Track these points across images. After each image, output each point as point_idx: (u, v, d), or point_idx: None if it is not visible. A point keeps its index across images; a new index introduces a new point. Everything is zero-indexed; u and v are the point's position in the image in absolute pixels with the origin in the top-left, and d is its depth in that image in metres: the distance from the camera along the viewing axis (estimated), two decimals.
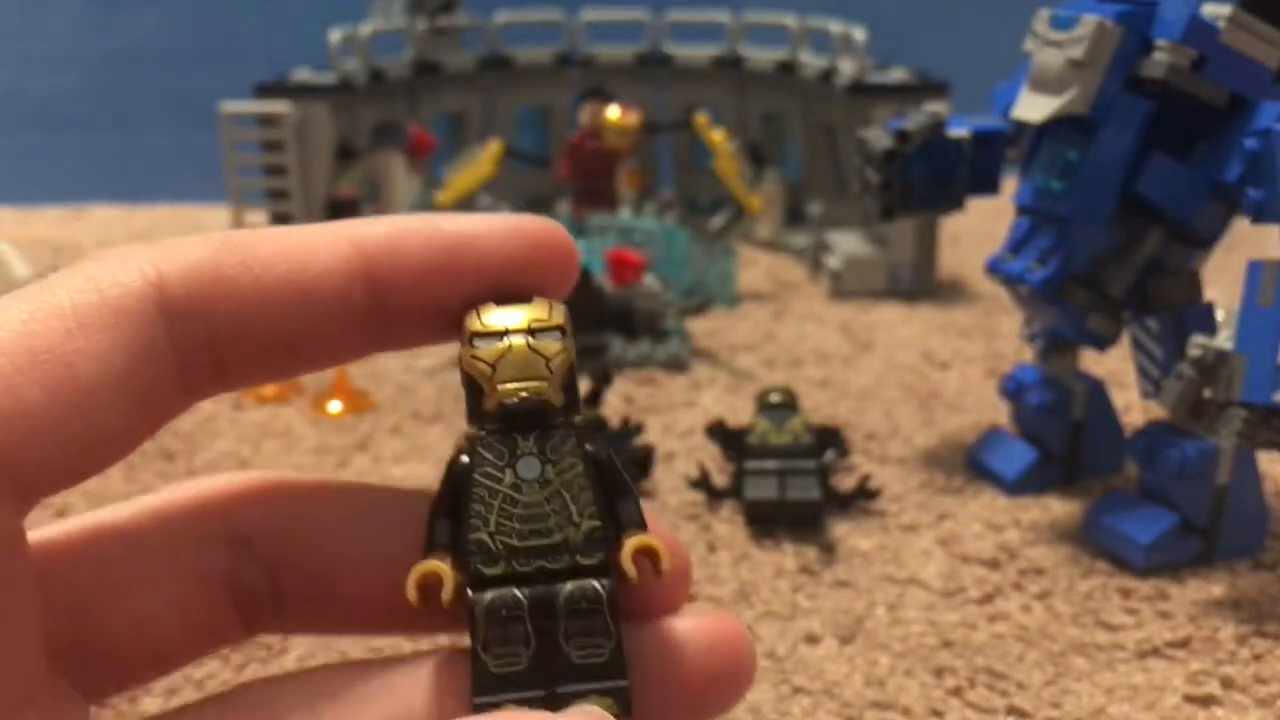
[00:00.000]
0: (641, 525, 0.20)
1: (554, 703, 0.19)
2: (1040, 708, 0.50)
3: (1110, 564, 0.61)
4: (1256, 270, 0.55)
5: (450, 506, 0.20)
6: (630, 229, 1.02)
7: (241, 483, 0.22)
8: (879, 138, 0.66)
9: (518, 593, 0.19)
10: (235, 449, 0.77)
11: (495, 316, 0.19)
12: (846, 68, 1.15)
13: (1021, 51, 0.63)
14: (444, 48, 1.28)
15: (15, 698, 0.17)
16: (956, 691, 0.51)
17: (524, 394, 0.19)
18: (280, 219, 1.08)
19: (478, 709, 0.19)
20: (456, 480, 0.20)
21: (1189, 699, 0.51)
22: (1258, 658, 0.53)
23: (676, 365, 0.91)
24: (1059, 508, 0.68)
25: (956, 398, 0.84)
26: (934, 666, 0.53)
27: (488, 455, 0.19)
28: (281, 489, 0.22)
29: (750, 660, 0.21)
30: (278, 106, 1.07)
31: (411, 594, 0.19)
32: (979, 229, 0.91)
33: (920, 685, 0.52)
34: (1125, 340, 0.66)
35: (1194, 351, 0.59)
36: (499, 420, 0.19)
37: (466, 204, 1.20)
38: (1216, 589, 0.59)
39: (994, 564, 0.62)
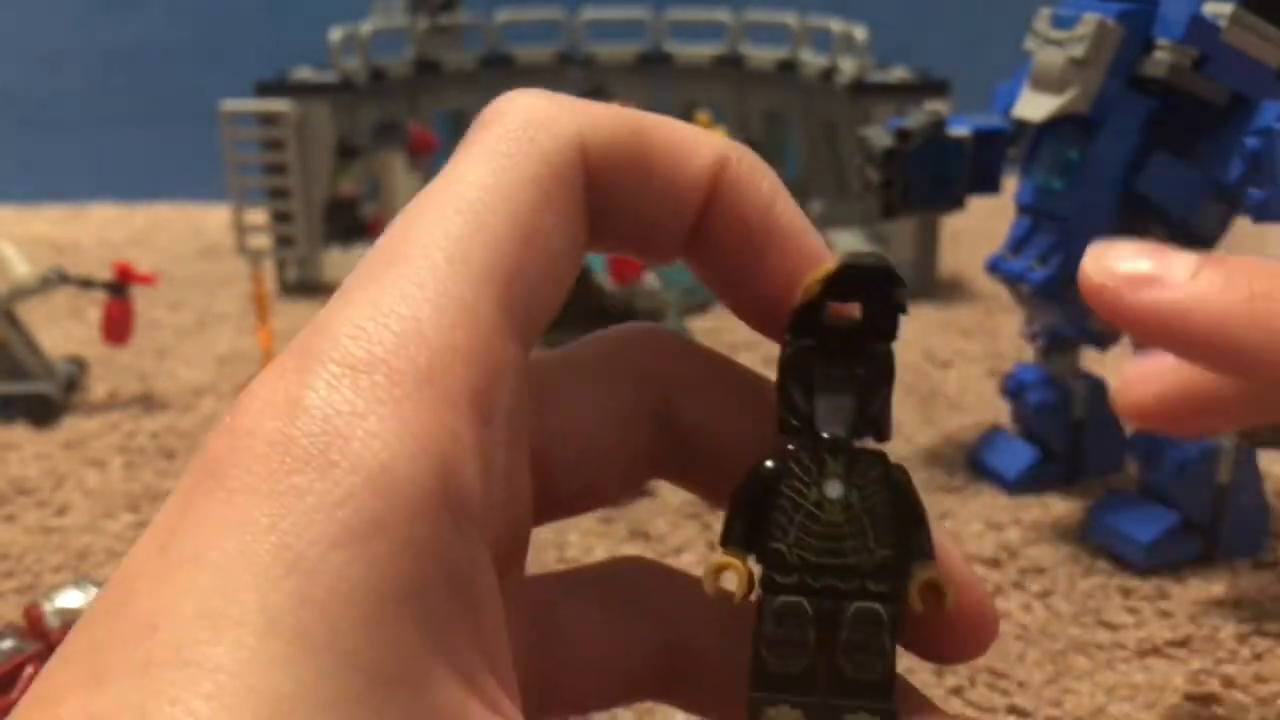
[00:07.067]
0: (930, 558, 0.21)
1: (825, 713, 0.20)
2: (1041, 707, 0.50)
3: (1111, 563, 0.61)
4: None
5: (751, 505, 0.20)
6: None
7: (662, 346, 0.24)
8: (880, 136, 0.66)
9: (806, 603, 0.20)
10: None
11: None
12: (847, 66, 1.15)
13: (1022, 50, 0.63)
14: (445, 46, 1.28)
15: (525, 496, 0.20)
16: (957, 690, 0.51)
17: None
18: (281, 218, 1.08)
19: (754, 703, 0.20)
20: (763, 484, 0.20)
21: (1190, 698, 0.51)
22: (1258, 657, 0.53)
23: None
24: (1060, 507, 0.68)
25: (957, 397, 0.84)
26: (934, 665, 0.53)
27: (796, 469, 0.20)
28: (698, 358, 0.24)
29: None
30: (278, 105, 1.07)
31: (710, 583, 0.20)
32: (980, 228, 0.91)
33: (920, 684, 0.51)
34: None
35: None
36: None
37: None
38: (1217, 588, 0.59)
39: (995, 563, 0.62)
